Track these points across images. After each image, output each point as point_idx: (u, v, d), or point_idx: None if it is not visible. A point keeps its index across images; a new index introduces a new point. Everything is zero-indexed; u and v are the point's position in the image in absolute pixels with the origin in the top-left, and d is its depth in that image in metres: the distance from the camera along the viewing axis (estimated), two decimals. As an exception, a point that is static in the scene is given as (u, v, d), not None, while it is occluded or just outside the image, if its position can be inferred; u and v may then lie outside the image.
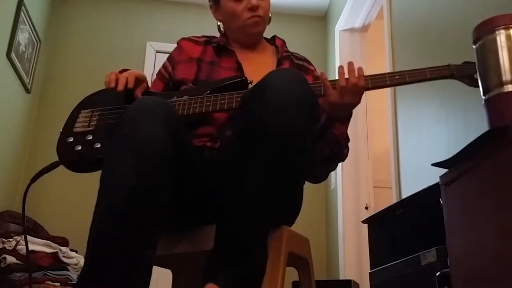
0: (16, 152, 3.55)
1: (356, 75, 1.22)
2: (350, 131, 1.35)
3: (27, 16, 3.51)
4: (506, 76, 1.15)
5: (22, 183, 3.59)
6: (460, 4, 2.11)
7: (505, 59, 1.16)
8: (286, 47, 1.53)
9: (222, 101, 1.27)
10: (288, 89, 1.02)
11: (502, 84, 1.15)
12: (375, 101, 3.76)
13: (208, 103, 1.28)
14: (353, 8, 3.67)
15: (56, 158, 1.27)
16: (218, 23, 1.51)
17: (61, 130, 1.33)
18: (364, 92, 1.24)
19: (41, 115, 3.82)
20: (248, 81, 1.35)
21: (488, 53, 1.19)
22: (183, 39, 1.51)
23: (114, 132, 1.04)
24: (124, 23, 4.24)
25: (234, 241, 1.00)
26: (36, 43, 3.74)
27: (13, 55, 3.31)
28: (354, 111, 1.29)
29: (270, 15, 1.49)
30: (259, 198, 1.01)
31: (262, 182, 1.00)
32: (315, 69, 1.52)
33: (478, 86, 1.24)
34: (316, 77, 1.47)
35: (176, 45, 1.52)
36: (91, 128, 1.29)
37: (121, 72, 1.40)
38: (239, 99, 1.24)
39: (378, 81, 1.26)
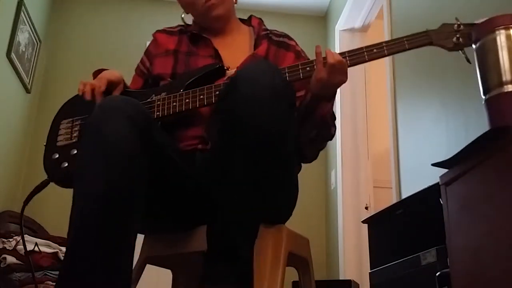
0: (16, 152, 3.54)
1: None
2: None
3: (27, 16, 3.51)
4: (506, 76, 1.15)
5: (22, 183, 3.58)
6: (460, 4, 2.11)
7: (505, 59, 1.16)
8: (264, 25, 1.50)
9: (201, 97, 1.25)
10: (259, 82, 1.01)
11: (502, 84, 1.15)
12: (375, 101, 3.75)
13: (187, 100, 1.26)
14: (353, 8, 3.66)
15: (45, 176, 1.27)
16: (182, 15, 1.50)
17: (44, 144, 1.32)
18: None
19: (41, 115, 3.81)
20: (225, 68, 1.34)
21: (488, 53, 1.19)
22: (157, 31, 1.49)
23: (82, 135, 1.03)
24: (124, 23, 4.24)
25: (224, 241, 1.00)
26: (36, 43, 3.74)
27: (13, 55, 3.30)
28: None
29: None
30: (245, 195, 1.00)
31: (245, 177, 1.00)
32: (296, 43, 1.48)
33: (458, 50, 1.21)
34: (297, 51, 1.44)
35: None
36: (74, 141, 1.30)
37: (95, 74, 1.37)
38: (217, 92, 1.23)
39: (356, 57, 1.23)
